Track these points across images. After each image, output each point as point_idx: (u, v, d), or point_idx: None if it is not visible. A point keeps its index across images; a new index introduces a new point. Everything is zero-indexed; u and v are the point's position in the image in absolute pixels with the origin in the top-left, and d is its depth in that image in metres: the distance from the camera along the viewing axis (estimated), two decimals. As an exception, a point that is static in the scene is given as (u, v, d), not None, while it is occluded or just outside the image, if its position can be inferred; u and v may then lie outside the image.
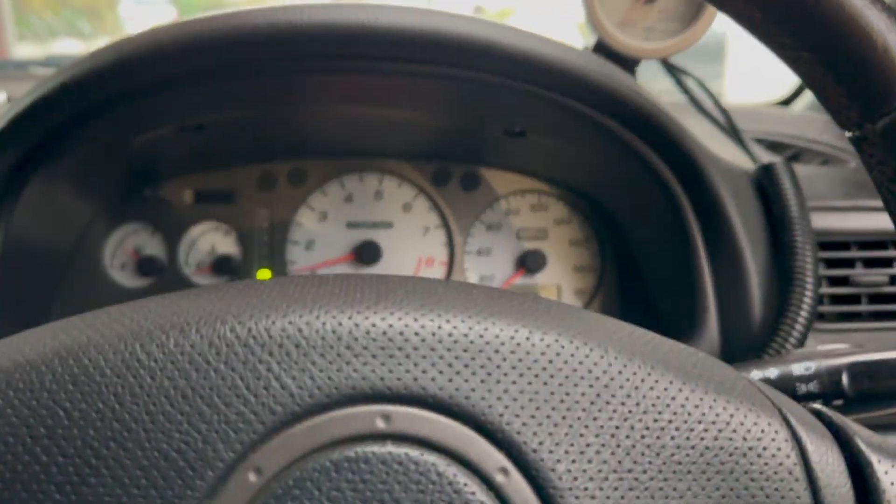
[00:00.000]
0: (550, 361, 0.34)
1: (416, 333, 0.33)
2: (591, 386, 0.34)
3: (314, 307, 0.34)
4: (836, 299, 0.85)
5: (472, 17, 0.67)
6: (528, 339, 0.34)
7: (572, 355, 0.34)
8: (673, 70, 0.88)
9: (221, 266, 0.95)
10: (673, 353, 0.38)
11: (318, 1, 0.65)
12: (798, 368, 0.56)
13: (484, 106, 0.80)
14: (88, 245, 0.92)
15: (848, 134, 0.41)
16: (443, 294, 0.37)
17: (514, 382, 0.33)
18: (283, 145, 0.95)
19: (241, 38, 0.63)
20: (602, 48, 0.78)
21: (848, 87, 0.38)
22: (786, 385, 0.56)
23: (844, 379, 0.54)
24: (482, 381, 0.33)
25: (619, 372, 0.34)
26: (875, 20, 0.36)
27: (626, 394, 0.34)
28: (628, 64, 0.79)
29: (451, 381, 0.32)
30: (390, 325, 0.33)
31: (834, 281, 0.85)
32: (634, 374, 0.34)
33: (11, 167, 0.71)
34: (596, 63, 0.71)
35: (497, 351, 0.33)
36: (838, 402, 0.54)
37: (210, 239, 0.97)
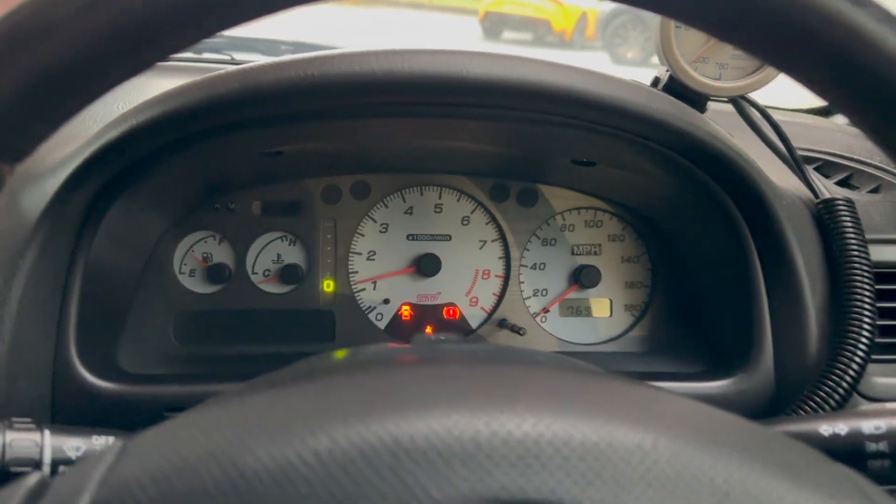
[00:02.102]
0: (678, 472, 0.36)
1: (550, 442, 0.36)
2: (712, 495, 0.36)
3: (450, 410, 0.37)
4: (888, 331, 0.87)
5: (554, 64, 0.68)
6: (654, 447, 0.37)
7: (698, 466, 0.37)
8: (739, 103, 0.89)
9: (288, 275, 0.99)
10: (788, 454, 0.40)
11: (405, 47, 0.67)
12: (868, 426, 0.59)
13: (554, 141, 0.81)
14: (160, 254, 0.95)
15: None
16: (570, 391, 0.40)
17: (643, 492, 0.36)
18: (349, 161, 0.97)
19: (335, 86, 0.65)
20: (674, 85, 0.79)
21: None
22: (855, 442, 0.58)
23: (913, 440, 0.57)
24: (613, 493, 0.35)
25: (741, 482, 0.37)
26: None
27: (743, 502, 0.36)
28: (699, 100, 0.80)
29: (584, 491, 0.35)
30: (525, 434, 0.36)
31: (887, 313, 0.87)
32: (755, 483, 0.37)
33: (93, 196, 0.74)
34: (672, 106, 0.73)
35: (626, 461, 0.36)
36: (907, 464, 0.57)
37: (276, 248, 1.00)
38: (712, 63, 0.80)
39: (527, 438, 0.36)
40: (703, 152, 0.74)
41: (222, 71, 0.69)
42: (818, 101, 1.44)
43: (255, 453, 0.35)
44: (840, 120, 1.35)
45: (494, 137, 0.83)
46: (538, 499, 0.35)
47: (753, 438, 0.40)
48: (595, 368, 0.55)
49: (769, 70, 0.79)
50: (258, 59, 0.72)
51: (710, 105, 0.97)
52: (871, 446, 0.58)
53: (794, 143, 1.09)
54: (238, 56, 1.38)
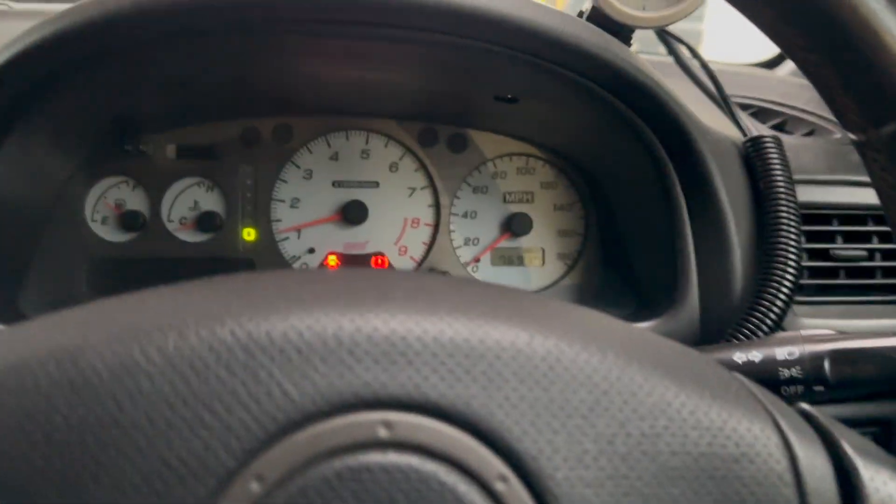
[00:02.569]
0: (550, 367, 0.34)
1: (419, 338, 0.33)
2: (589, 392, 0.34)
3: (315, 309, 0.34)
4: (815, 272, 0.87)
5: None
6: (528, 344, 0.34)
7: (572, 360, 0.34)
8: (666, 36, 0.87)
9: (205, 222, 0.94)
10: (671, 356, 0.39)
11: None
12: (781, 353, 0.57)
13: (475, 72, 0.78)
14: (69, 199, 0.90)
15: (852, 137, 0.41)
16: (444, 295, 0.37)
17: (514, 389, 0.33)
18: (268, 101, 0.93)
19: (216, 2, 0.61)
20: (598, 16, 0.77)
21: (856, 91, 0.38)
22: (769, 368, 0.57)
23: (826, 365, 0.56)
24: (483, 388, 0.33)
25: (618, 378, 0.35)
26: (890, 24, 0.36)
27: (623, 400, 0.34)
28: (624, 32, 0.78)
29: (452, 388, 0.33)
30: (392, 330, 0.33)
31: (814, 254, 0.87)
32: (632, 379, 0.35)
33: None
34: (592, 33, 0.70)
35: (498, 357, 0.34)
36: (819, 388, 0.56)
37: (193, 194, 0.95)
38: (637, -7, 0.77)
39: (393, 335, 0.34)
40: (622, 81, 0.72)
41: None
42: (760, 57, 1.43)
43: (96, 349, 0.32)
44: (782, 71, 1.35)
45: (411, 66, 0.80)
46: (401, 394, 0.32)
47: (635, 339, 0.38)
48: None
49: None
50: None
51: (644, 57, 0.95)
52: (784, 372, 0.56)
53: (731, 92, 1.08)
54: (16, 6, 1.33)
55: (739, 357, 0.59)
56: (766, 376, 0.58)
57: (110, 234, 0.93)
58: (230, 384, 0.32)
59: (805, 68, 0.40)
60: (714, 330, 0.80)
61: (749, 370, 0.58)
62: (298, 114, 0.96)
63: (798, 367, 0.56)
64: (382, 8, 0.64)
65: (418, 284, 0.38)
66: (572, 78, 0.72)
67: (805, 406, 0.41)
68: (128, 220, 0.92)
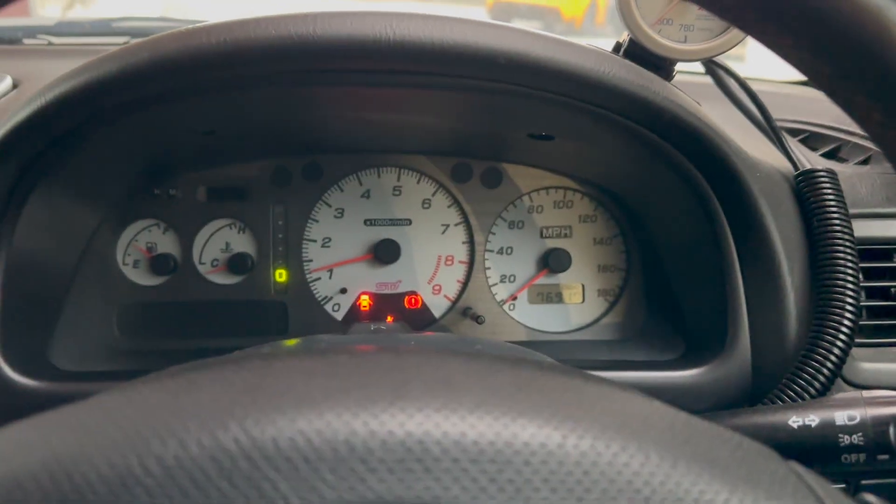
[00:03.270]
0: (586, 473, 0.31)
1: (438, 443, 0.30)
2: (630, 500, 0.31)
3: (325, 409, 0.31)
4: (875, 312, 0.81)
5: (497, 25, 0.62)
6: (561, 446, 0.31)
7: (610, 464, 0.31)
8: (712, 67, 0.82)
9: (237, 264, 0.93)
10: (718, 446, 0.35)
11: (336, 9, 0.61)
12: (841, 417, 0.53)
13: (509, 113, 0.75)
14: (99, 244, 0.89)
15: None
16: (466, 385, 0.34)
17: (545, 499, 0.30)
18: (298, 140, 0.92)
19: (246, 53, 0.59)
20: (636, 49, 0.73)
21: (871, 94, 0.35)
22: (827, 434, 0.53)
23: (892, 431, 0.51)
24: (511, 499, 0.30)
25: (661, 483, 0.31)
26: None
27: None
28: (664, 65, 0.74)
29: (476, 499, 0.30)
30: (409, 433, 0.30)
31: (873, 293, 0.81)
32: (678, 484, 0.31)
33: (10, 183, 0.68)
34: (630, 71, 0.67)
35: (527, 463, 0.30)
36: (884, 457, 0.51)
37: (224, 236, 0.94)
38: (676, 25, 0.73)
39: (409, 439, 0.31)
40: (663, 120, 0.68)
41: (132, 43, 0.63)
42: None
43: (91, 461, 0.30)
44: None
45: (444, 110, 0.77)
46: None
47: (679, 431, 0.34)
48: (523, 355, 0.49)
49: (737, 31, 0.73)
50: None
51: (686, 77, 0.91)
52: (845, 439, 0.52)
53: (779, 115, 1.03)
54: (56, 41, 1.33)
55: (795, 421, 0.54)
56: (825, 442, 0.54)
57: (142, 278, 0.92)
58: (232, 498, 0.29)
59: (816, 80, 0.36)
60: (767, 378, 0.75)
61: (805, 435, 0.54)
62: (329, 152, 0.94)
63: (860, 434, 0.52)
64: (419, 55, 0.61)
65: (437, 373, 0.35)
66: (613, 118, 0.69)
67: (870, 499, 0.37)
68: (159, 263, 0.92)
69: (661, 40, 0.73)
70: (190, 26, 0.62)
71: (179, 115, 0.72)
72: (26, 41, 1.36)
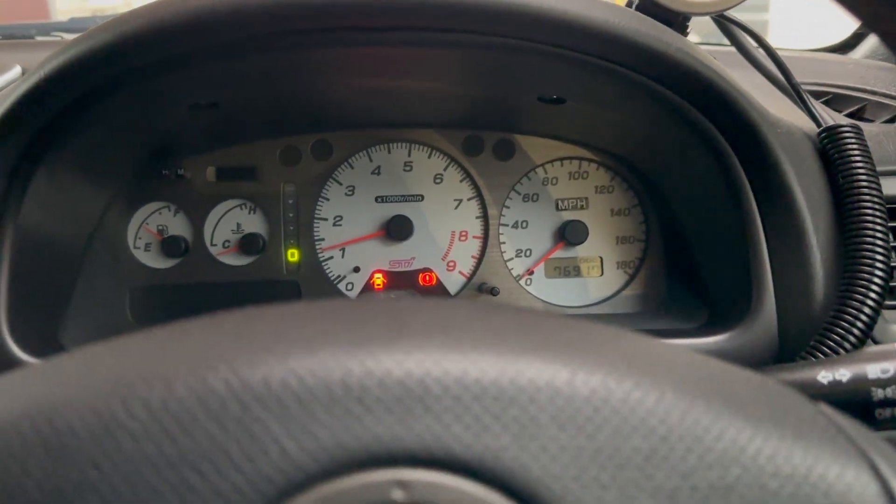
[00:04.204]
0: (596, 410, 0.29)
1: (438, 380, 0.29)
2: (644, 438, 0.29)
3: (318, 349, 0.30)
4: (907, 273, 0.78)
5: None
6: (569, 382, 0.29)
7: (622, 401, 0.29)
8: (725, 23, 0.80)
9: (248, 245, 0.92)
10: (739, 386, 0.33)
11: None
12: (874, 370, 0.50)
13: (518, 73, 0.73)
14: (110, 227, 0.89)
15: None
16: (467, 324, 0.32)
17: (553, 438, 0.28)
18: (306, 117, 0.90)
19: (244, 13, 0.57)
20: (648, 4, 0.71)
21: None
22: (859, 389, 0.50)
23: (928, 383, 0.48)
24: (516, 438, 0.28)
25: (679, 420, 0.29)
26: None
27: (686, 447, 0.29)
28: (678, 20, 0.72)
29: (479, 438, 0.28)
30: (407, 371, 0.29)
31: (905, 253, 0.78)
32: (697, 421, 0.29)
33: (14, 159, 0.67)
34: (644, 24, 0.64)
35: (533, 399, 0.28)
36: (920, 410, 0.48)
37: (235, 217, 0.93)
38: (690, -23, 0.71)
39: (409, 377, 0.29)
40: (680, 74, 0.65)
41: (127, 11, 0.62)
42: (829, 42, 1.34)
43: (74, 406, 0.29)
44: (857, 54, 1.25)
45: (452, 72, 0.75)
46: (419, 449, 0.28)
47: (697, 369, 0.32)
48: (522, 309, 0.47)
49: (753, -21, 0.70)
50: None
51: (707, 48, 0.87)
52: (878, 393, 0.49)
53: (802, 79, 1.00)
54: (69, 37, 1.33)
55: (824, 377, 0.52)
56: (857, 398, 0.51)
57: (153, 260, 0.92)
58: (222, 442, 0.27)
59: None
60: (794, 342, 0.72)
61: (836, 391, 0.51)
62: (338, 129, 0.93)
63: (894, 387, 0.49)
64: (425, 10, 0.59)
65: (437, 314, 0.33)
66: (624, 74, 0.66)
67: None
68: (170, 245, 0.91)
69: (675, -6, 0.70)
70: None
71: (180, 85, 0.71)
72: (39, 38, 1.36)
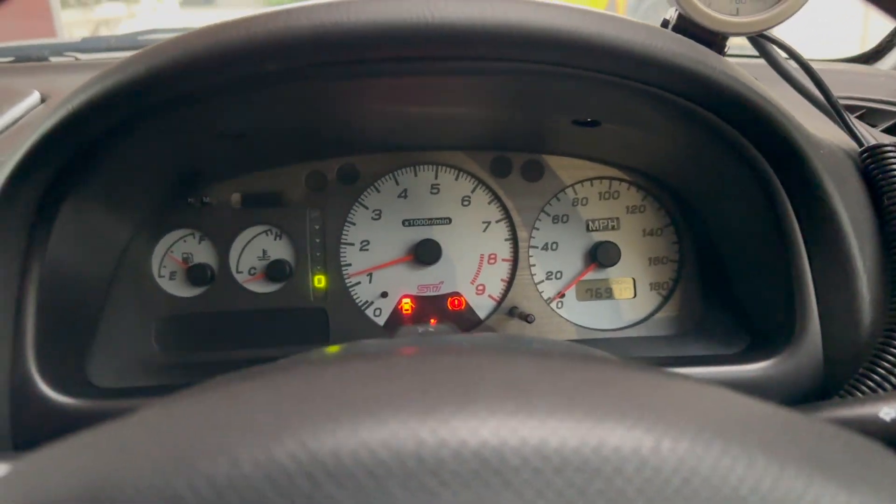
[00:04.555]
0: (686, 481, 0.27)
1: (516, 450, 0.27)
2: None
3: (388, 415, 0.28)
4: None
5: (541, 3, 0.58)
6: (655, 451, 0.27)
7: (712, 469, 0.27)
8: (762, 41, 0.78)
9: (275, 272, 0.90)
10: (825, 443, 0.31)
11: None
12: (939, 406, 0.48)
13: (552, 98, 0.72)
14: (134, 256, 0.88)
15: None
16: (539, 381, 0.31)
17: None
18: (332, 142, 0.89)
19: (276, 45, 0.56)
20: (686, 24, 0.69)
21: None
22: (926, 426, 0.48)
23: None
24: None
25: (771, 488, 0.27)
26: None
27: None
28: (716, 40, 0.70)
29: None
30: (483, 441, 0.27)
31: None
32: (790, 489, 0.27)
33: (40, 194, 0.66)
34: (682, 45, 0.62)
35: (619, 471, 0.27)
36: None
37: (261, 243, 0.92)
38: (728, -4, 0.69)
39: (485, 448, 0.27)
40: (722, 97, 0.63)
41: (157, 42, 0.60)
42: (854, 52, 1.31)
43: (136, 485, 0.27)
44: (885, 65, 1.23)
45: (485, 98, 0.74)
46: None
47: (781, 427, 0.30)
48: (588, 352, 0.45)
49: (793, 0, 0.68)
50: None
51: (734, 60, 0.85)
52: (947, 430, 0.47)
53: (836, 93, 0.98)
54: (83, 57, 1.33)
55: (887, 413, 0.50)
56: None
57: (179, 289, 0.90)
58: None
59: None
60: (840, 370, 0.70)
61: (902, 429, 0.49)
62: (363, 152, 0.92)
63: (964, 425, 0.47)
64: (461, 38, 0.58)
65: (506, 372, 0.32)
66: (665, 97, 0.65)
67: None
68: (196, 273, 0.89)
69: (712, 13, 0.68)
70: (218, 22, 0.59)
71: (208, 118, 0.69)
72: (53, 59, 1.35)
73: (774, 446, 0.29)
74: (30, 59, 1.33)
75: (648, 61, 0.60)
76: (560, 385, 0.31)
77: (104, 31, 6.50)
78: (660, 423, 0.28)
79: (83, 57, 1.36)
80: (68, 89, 0.64)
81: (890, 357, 0.65)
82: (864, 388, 0.66)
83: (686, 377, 0.35)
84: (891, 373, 0.65)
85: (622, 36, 0.59)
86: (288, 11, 0.57)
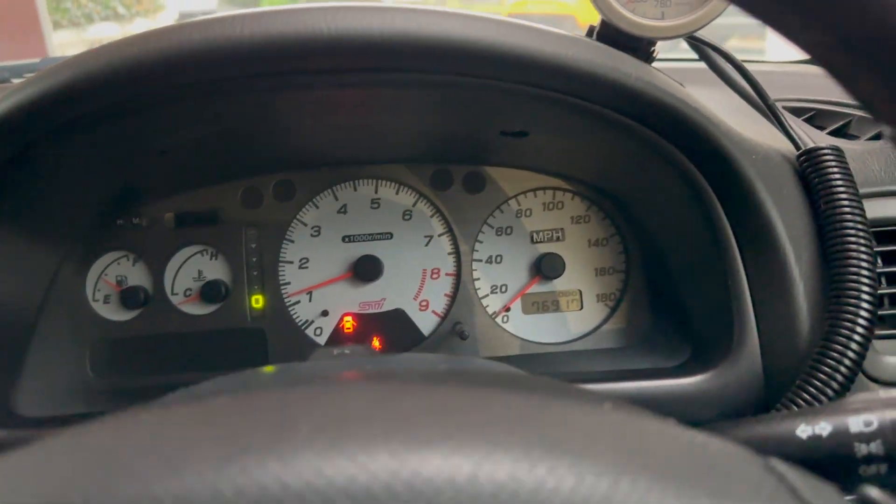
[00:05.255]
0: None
1: (320, 491, 0.25)
2: None
3: (184, 465, 0.26)
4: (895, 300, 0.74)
5: (442, 11, 0.56)
6: (472, 479, 0.25)
7: (533, 493, 0.25)
8: (697, 43, 0.76)
9: (210, 293, 0.88)
10: (675, 452, 0.29)
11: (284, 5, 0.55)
12: (856, 423, 0.46)
13: (477, 108, 0.69)
14: (66, 280, 0.85)
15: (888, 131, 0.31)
16: (366, 411, 0.29)
17: None
18: (267, 158, 0.87)
19: (175, 62, 0.54)
20: (610, 31, 0.67)
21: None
22: (842, 443, 0.46)
23: (915, 438, 0.44)
24: None
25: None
26: None
27: None
28: (642, 46, 0.68)
29: None
30: (285, 486, 0.25)
31: (893, 278, 0.74)
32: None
33: None
34: (600, 54, 0.60)
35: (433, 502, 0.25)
36: (908, 469, 0.44)
37: (196, 264, 0.89)
38: (651, 1, 0.67)
39: (287, 492, 0.25)
40: (641, 104, 0.62)
41: (61, 60, 0.58)
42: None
43: None
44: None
45: (405, 108, 0.72)
46: None
47: (627, 437, 0.29)
48: (472, 371, 0.43)
49: (717, 2, 0.66)
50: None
51: (674, 65, 0.84)
52: (862, 448, 0.45)
53: (783, 95, 0.96)
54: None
55: (804, 430, 0.47)
56: (840, 452, 0.46)
57: (113, 312, 0.88)
58: None
59: (833, 69, 0.30)
60: (780, 379, 0.68)
61: (817, 447, 0.47)
62: (301, 168, 0.89)
63: (878, 442, 0.45)
64: (359, 50, 0.56)
65: (331, 400, 0.29)
66: (585, 106, 0.63)
67: (873, 493, 0.30)
68: (130, 296, 0.87)
69: (636, 18, 0.66)
70: (117, 39, 0.57)
71: (133, 133, 0.67)
72: (14, 80, 1.34)
73: (608, 458, 0.27)
74: None
75: (560, 70, 0.58)
76: (386, 411, 0.29)
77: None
78: (483, 445, 0.26)
79: None
80: None
81: (825, 369, 0.63)
82: (800, 400, 0.64)
83: (540, 381, 0.33)
84: (827, 385, 0.63)
85: (530, 45, 0.57)
86: (181, 27, 0.55)
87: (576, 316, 0.91)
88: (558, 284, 0.91)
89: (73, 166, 0.71)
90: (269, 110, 0.71)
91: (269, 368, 0.56)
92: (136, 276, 0.89)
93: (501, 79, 0.59)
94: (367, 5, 0.56)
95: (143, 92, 0.57)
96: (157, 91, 0.58)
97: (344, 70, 0.58)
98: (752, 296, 0.70)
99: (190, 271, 0.89)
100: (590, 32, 0.72)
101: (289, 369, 0.47)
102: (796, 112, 0.95)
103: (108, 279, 0.88)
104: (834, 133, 0.91)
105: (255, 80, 0.58)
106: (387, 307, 0.91)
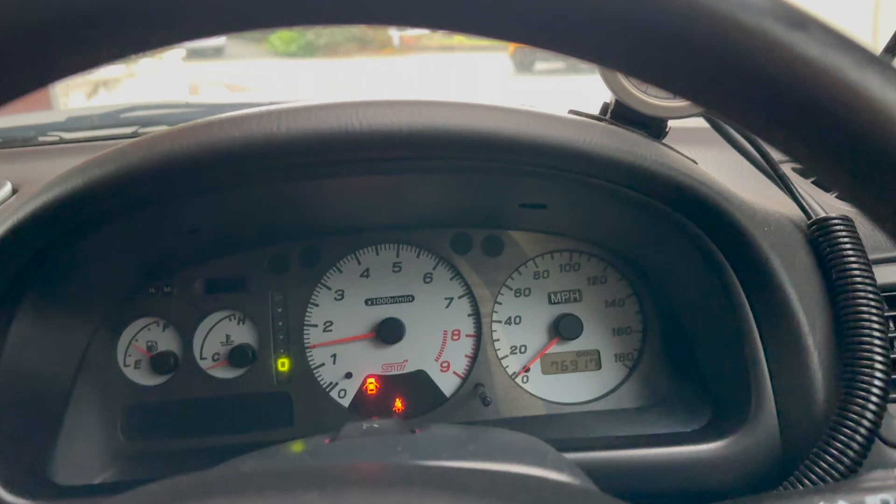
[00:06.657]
0: None
1: None
2: None
3: None
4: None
5: (468, 105, 0.60)
6: None
7: None
8: (714, 119, 0.79)
9: (238, 357, 0.91)
10: None
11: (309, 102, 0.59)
12: (873, 501, 0.47)
13: (498, 186, 0.73)
14: (98, 348, 0.88)
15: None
16: None
17: None
18: (293, 227, 0.90)
19: (211, 157, 0.57)
20: (623, 110, 0.70)
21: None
22: (860, 525, 0.47)
23: (932, 521, 0.46)
24: None
25: None
26: None
27: None
28: (655, 123, 0.71)
29: None
30: None
31: (908, 342, 0.75)
32: None
33: None
34: (615, 137, 0.63)
35: None
36: (926, 551, 0.45)
37: (224, 328, 0.92)
38: (664, 81, 0.70)
39: None
40: (656, 183, 0.64)
41: (99, 154, 0.62)
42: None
43: None
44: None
45: (431, 186, 0.75)
46: None
47: None
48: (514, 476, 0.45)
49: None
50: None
51: (685, 123, 0.86)
52: (881, 529, 0.47)
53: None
54: (67, 136, 1.33)
55: (823, 510, 0.49)
56: (860, 532, 0.48)
57: (143, 377, 0.90)
58: None
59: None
60: (798, 446, 0.70)
61: (837, 527, 0.48)
62: (325, 234, 0.92)
63: (898, 523, 0.47)
64: (388, 142, 0.59)
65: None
66: (601, 185, 0.66)
67: None
68: (160, 361, 0.90)
69: (648, 99, 0.70)
70: (154, 133, 0.61)
71: (160, 219, 0.71)
72: (40, 138, 1.38)
73: None
74: (15, 142, 1.35)
75: (578, 155, 0.61)
76: None
77: (103, 93, 6.57)
78: None
79: (67, 135, 1.38)
80: (45, 177, 0.65)
81: (842, 437, 0.65)
82: (818, 469, 0.65)
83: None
84: (843, 453, 0.64)
85: (549, 133, 0.60)
86: (221, 123, 0.58)
87: (594, 376, 0.93)
88: (576, 345, 0.94)
89: (109, 245, 0.74)
90: (300, 190, 0.74)
91: (298, 447, 0.57)
92: (166, 341, 0.91)
93: (523, 163, 0.62)
94: (396, 100, 0.59)
95: (185, 183, 0.61)
96: (191, 183, 0.61)
97: (374, 160, 0.61)
98: (767, 363, 0.72)
99: (218, 336, 0.92)
100: (604, 110, 0.75)
101: (318, 451, 0.49)
102: (803, 173, 0.98)
103: (138, 345, 0.91)
104: (842, 196, 0.93)
105: (289, 171, 0.61)
106: (409, 368, 0.93)
